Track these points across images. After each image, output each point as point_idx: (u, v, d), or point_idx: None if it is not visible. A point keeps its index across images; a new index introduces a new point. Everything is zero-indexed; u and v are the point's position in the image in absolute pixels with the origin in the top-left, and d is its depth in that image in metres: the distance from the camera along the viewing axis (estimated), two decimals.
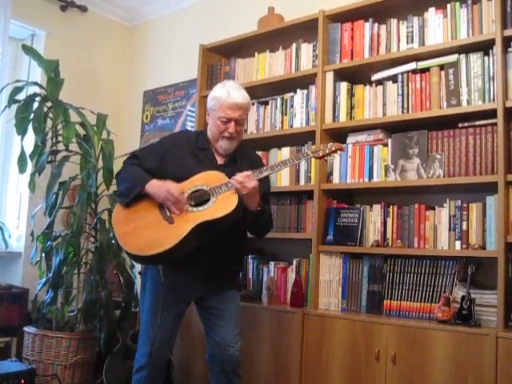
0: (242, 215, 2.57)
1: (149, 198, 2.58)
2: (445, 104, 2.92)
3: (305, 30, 3.53)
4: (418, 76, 3.03)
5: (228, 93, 2.66)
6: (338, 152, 2.75)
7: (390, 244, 3.03)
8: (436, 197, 3.02)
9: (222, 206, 2.48)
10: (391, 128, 3.14)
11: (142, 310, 2.75)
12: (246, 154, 2.83)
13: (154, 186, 2.56)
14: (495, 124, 2.72)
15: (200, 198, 2.53)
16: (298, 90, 3.51)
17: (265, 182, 2.73)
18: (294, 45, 3.57)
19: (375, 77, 3.21)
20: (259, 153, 3.55)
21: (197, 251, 2.51)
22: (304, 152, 2.75)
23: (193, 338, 3.46)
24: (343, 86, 3.29)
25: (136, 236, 2.51)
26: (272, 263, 3.51)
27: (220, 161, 2.74)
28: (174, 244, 2.42)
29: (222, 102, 2.65)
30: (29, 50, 4.04)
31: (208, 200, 2.52)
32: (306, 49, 3.50)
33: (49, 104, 3.87)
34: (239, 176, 2.50)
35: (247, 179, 2.48)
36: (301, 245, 3.42)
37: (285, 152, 3.53)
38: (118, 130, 4.54)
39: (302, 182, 3.42)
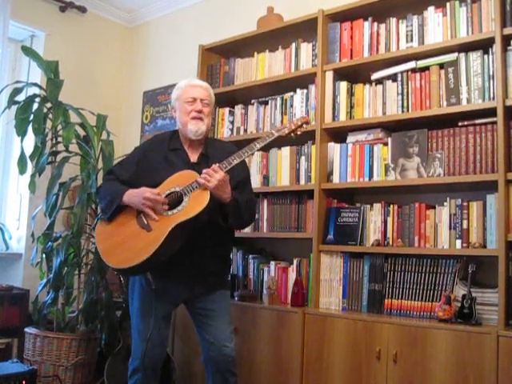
0: (219, 208, 2.56)
1: (127, 210, 2.61)
2: (444, 103, 2.92)
3: (304, 29, 3.53)
4: (417, 75, 3.03)
5: (190, 79, 2.86)
6: (304, 125, 2.73)
7: (391, 243, 3.03)
8: (436, 195, 3.02)
9: (195, 203, 2.49)
10: (391, 127, 3.14)
11: (132, 314, 2.78)
12: (217, 146, 2.84)
13: (131, 195, 2.59)
14: (495, 122, 2.72)
15: (174, 200, 2.55)
16: (298, 90, 3.51)
17: (240, 169, 2.72)
18: (293, 44, 3.57)
19: (375, 76, 3.21)
20: (258, 153, 3.55)
21: (180, 253, 2.53)
22: (269, 132, 2.70)
23: (193, 339, 3.45)
24: (343, 85, 3.29)
25: (117, 250, 2.55)
26: (272, 263, 3.51)
27: (193, 158, 2.75)
28: (154, 251, 2.44)
29: (184, 86, 2.79)
30: (28, 51, 4.04)
31: (182, 200, 2.53)
32: (306, 48, 3.50)
33: (48, 105, 3.87)
34: (204, 171, 2.51)
35: (212, 173, 2.49)
36: (301, 244, 3.42)
37: (285, 152, 3.52)
38: (117, 131, 4.55)
39: (303, 181, 3.42)
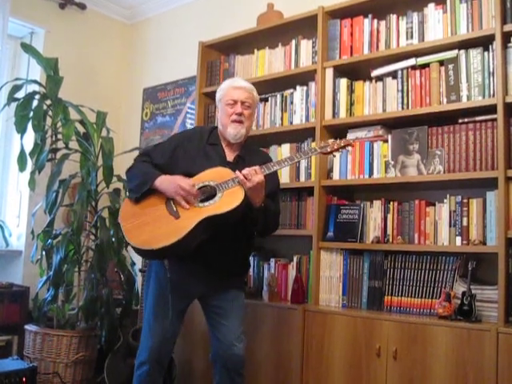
0: (249, 212, 2.56)
1: (156, 194, 2.59)
2: (445, 100, 2.91)
3: (304, 26, 3.53)
4: (417, 72, 3.03)
5: (233, 80, 2.86)
6: (347, 148, 2.74)
7: (391, 240, 3.03)
8: (436, 193, 3.02)
9: (228, 201, 2.49)
10: (391, 124, 3.13)
11: (145, 305, 2.76)
12: (254, 150, 2.87)
13: (164, 181, 2.57)
14: (495, 119, 2.72)
15: (206, 194, 2.54)
16: (298, 87, 3.51)
17: (273, 179, 2.71)
18: (293, 41, 3.56)
19: (375, 73, 3.21)
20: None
21: (202, 248, 2.51)
22: (312, 148, 2.73)
23: (194, 336, 3.47)
24: (343, 82, 3.29)
25: (142, 231, 2.52)
26: (272, 260, 3.51)
27: (229, 157, 2.75)
28: (179, 238, 2.42)
29: (227, 87, 2.78)
30: (28, 48, 4.04)
31: (214, 195, 2.52)
32: (306, 45, 3.50)
33: (48, 102, 3.87)
34: (246, 170, 2.50)
35: (254, 173, 2.48)
36: (301, 241, 3.42)
37: (285, 149, 3.52)
38: (117, 128, 4.54)
39: (303, 178, 3.42)
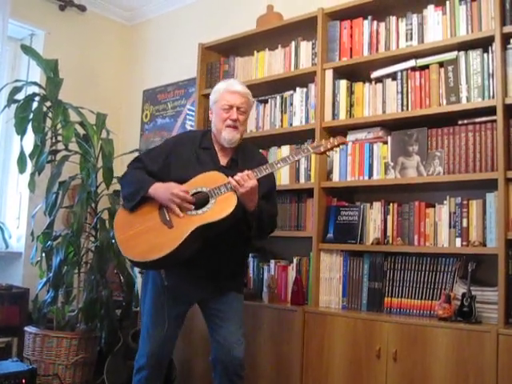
0: (243, 216, 2.55)
1: (150, 202, 2.57)
2: (444, 101, 2.92)
3: (304, 28, 3.53)
4: (417, 73, 3.03)
5: (228, 83, 2.77)
6: (341, 146, 2.71)
7: (391, 242, 3.03)
8: (436, 194, 3.02)
9: (221, 207, 2.47)
10: (391, 125, 3.14)
11: (143, 311, 2.75)
12: (248, 153, 2.82)
13: (158, 189, 2.55)
14: (495, 121, 2.72)
15: (199, 200, 2.51)
16: (298, 88, 3.51)
17: (267, 181, 2.68)
18: (293, 43, 3.56)
19: (374, 74, 3.21)
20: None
21: (198, 253, 2.50)
22: (305, 148, 2.70)
23: (194, 339, 3.46)
24: (342, 83, 3.29)
25: (136, 242, 2.51)
26: (272, 261, 3.51)
27: (223, 161, 2.72)
28: (174, 248, 2.41)
29: (222, 91, 2.72)
30: (28, 50, 4.04)
31: (207, 202, 2.50)
32: (305, 47, 3.50)
33: (48, 104, 3.87)
34: (238, 175, 2.48)
35: (246, 178, 2.47)
36: (301, 243, 3.42)
37: (284, 150, 3.52)
38: (117, 130, 4.54)
39: (302, 180, 3.42)
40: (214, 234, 2.51)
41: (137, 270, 3.84)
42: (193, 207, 2.50)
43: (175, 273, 2.59)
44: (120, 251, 2.56)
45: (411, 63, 3.05)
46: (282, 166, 2.66)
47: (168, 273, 2.58)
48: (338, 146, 2.68)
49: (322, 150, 2.65)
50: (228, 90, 2.71)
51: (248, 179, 2.47)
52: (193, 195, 2.53)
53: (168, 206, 2.51)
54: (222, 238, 2.55)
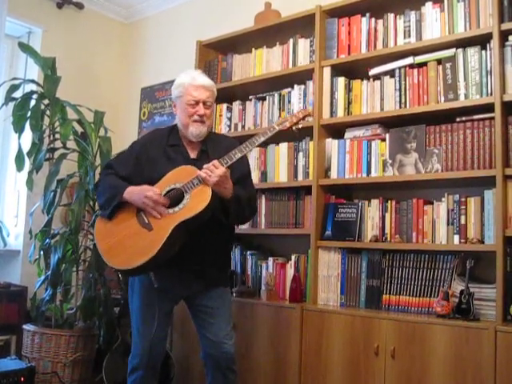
0: (220, 205, 2.53)
1: (127, 207, 2.57)
2: (442, 98, 2.92)
3: (302, 25, 3.53)
4: (415, 70, 3.03)
5: (193, 77, 2.70)
6: (306, 118, 2.67)
7: (389, 239, 3.03)
8: (434, 191, 3.03)
9: (197, 201, 2.46)
10: (389, 123, 3.13)
11: (132, 311, 2.75)
12: (217, 141, 2.78)
13: (132, 193, 2.55)
14: (493, 118, 2.72)
15: (175, 197, 2.51)
16: (296, 86, 3.51)
17: (240, 165, 2.66)
18: (290, 40, 3.56)
19: (372, 72, 3.21)
20: (256, 149, 3.55)
21: (181, 250, 2.50)
22: (270, 126, 2.65)
23: (192, 335, 3.45)
24: (340, 81, 3.29)
25: (118, 250, 2.51)
26: (270, 259, 3.51)
27: (192, 154, 2.71)
28: (157, 250, 2.42)
29: (187, 86, 2.67)
30: (25, 48, 4.03)
31: (183, 197, 2.49)
32: (303, 44, 3.50)
33: (46, 101, 3.86)
34: (205, 167, 2.48)
35: (213, 168, 2.45)
36: (299, 240, 3.43)
37: (282, 148, 3.52)
38: (115, 128, 4.52)
39: (300, 177, 3.42)
40: (195, 229, 2.50)
41: None
42: (166, 209, 2.48)
43: (160, 272, 2.58)
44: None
45: (409, 60, 3.05)
46: (251, 149, 2.62)
47: (155, 273, 2.57)
48: (303, 118, 2.64)
49: (288, 125, 2.62)
50: (193, 85, 2.66)
51: (214, 168, 2.45)
52: (166, 193, 2.52)
53: (145, 210, 2.52)
54: (203, 232, 2.54)
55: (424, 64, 3.01)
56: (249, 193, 2.69)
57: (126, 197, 2.55)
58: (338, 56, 3.32)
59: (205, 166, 2.48)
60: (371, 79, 3.22)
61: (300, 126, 2.66)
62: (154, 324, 2.60)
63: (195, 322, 2.75)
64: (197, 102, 2.65)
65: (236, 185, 2.58)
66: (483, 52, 2.81)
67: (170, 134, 2.77)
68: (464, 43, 2.87)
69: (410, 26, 3.07)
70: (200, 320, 2.71)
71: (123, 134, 4.89)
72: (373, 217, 3.11)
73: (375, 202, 3.11)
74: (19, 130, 3.74)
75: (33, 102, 3.85)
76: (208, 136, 2.75)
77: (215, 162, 2.48)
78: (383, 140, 3.12)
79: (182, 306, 2.81)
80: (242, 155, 2.56)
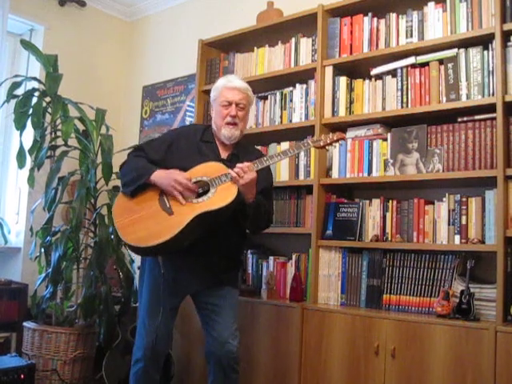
0: (241, 208, 2.56)
1: (150, 189, 2.59)
2: (444, 98, 2.91)
3: (304, 24, 3.53)
4: (417, 70, 3.03)
5: (228, 79, 2.78)
6: (340, 141, 2.72)
7: (390, 238, 3.03)
8: (435, 191, 3.02)
9: (221, 196, 2.48)
10: (390, 122, 3.13)
11: (140, 304, 2.77)
12: (248, 149, 2.86)
13: (160, 175, 2.56)
14: (494, 118, 2.72)
15: (201, 189, 2.54)
16: (297, 85, 3.51)
17: (266, 175, 2.71)
18: (293, 39, 3.56)
19: (374, 71, 3.21)
20: (258, 147, 3.54)
21: (196, 245, 2.52)
22: (305, 142, 2.70)
23: (192, 333, 3.47)
24: (342, 80, 3.28)
25: (135, 228, 2.52)
26: (271, 258, 3.51)
27: (223, 155, 2.75)
28: (173, 235, 2.42)
29: (221, 87, 2.74)
30: (27, 45, 4.03)
31: (208, 191, 2.52)
32: (305, 43, 3.50)
33: (47, 99, 3.87)
34: (238, 166, 2.50)
35: (246, 170, 2.48)
36: (300, 239, 3.43)
37: (284, 147, 3.52)
38: (117, 125, 4.54)
39: (302, 176, 3.42)
40: (213, 224, 2.52)
41: (136, 265, 3.85)
42: (194, 196, 2.51)
43: (171, 264, 2.60)
44: (118, 245, 2.57)
45: (411, 60, 3.04)
46: (282, 159, 2.67)
47: (166, 262, 2.59)
48: (337, 141, 2.69)
49: (322, 144, 2.67)
50: (227, 87, 2.73)
51: (248, 171, 2.48)
52: (193, 184, 2.54)
53: (169, 193, 2.53)
54: (220, 228, 2.57)
55: (426, 64, 3.00)
56: (268, 206, 2.74)
57: (153, 178, 2.57)
58: (340, 55, 3.32)
59: (238, 165, 2.50)
60: (373, 79, 3.21)
61: (333, 147, 2.76)
62: (159, 318, 2.60)
63: (201, 320, 2.77)
64: (230, 103, 2.70)
65: (259, 194, 2.61)
66: (485, 52, 2.80)
67: (204, 130, 2.80)
68: (466, 43, 2.87)
69: (412, 26, 3.07)
70: (206, 318, 2.72)
71: (125, 132, 4.91)
72: (374, 216, 3.11)
73: (376, 202, 3.11)
74: (21, 127, 3.74)
75: (34, 100, 3.85)
76: (240, 141, 2.80)
77: (249, 164, 2.51)
78: (385, 140, 3.12)
79: (183, 305, 2.81)
80: (272, 163, 2.61)
